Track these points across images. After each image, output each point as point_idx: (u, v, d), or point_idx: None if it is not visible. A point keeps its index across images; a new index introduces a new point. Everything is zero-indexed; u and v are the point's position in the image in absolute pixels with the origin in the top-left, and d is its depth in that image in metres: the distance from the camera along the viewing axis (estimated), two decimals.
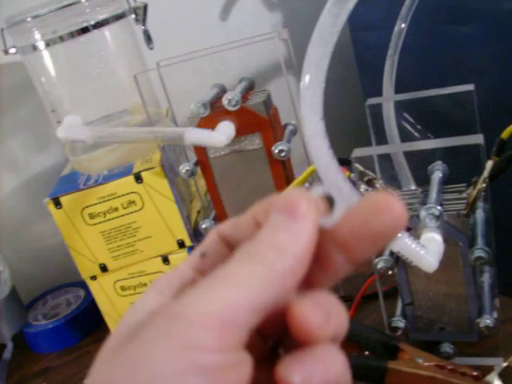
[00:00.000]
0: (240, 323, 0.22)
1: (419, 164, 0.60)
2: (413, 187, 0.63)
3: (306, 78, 0.44)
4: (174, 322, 0.22)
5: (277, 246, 0.23)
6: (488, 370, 0.54)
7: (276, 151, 0.63)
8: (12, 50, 0.71)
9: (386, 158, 0.63)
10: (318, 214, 0.25)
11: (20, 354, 0.82)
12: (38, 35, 0.68)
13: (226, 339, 0.22)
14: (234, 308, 0.22)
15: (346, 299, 0.70)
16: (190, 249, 0.74)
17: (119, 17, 0.70)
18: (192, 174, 0.67)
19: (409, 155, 0.63)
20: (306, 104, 0.45)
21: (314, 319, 0.23)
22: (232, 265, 0.23)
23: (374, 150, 0.62)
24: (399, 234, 0.43)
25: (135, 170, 0.70)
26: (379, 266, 0.54)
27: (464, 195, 0.55)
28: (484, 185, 0.51)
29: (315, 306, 0.24)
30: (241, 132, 0.64)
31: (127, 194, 0.70)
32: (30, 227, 0.95)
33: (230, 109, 0.62)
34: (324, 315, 0.24)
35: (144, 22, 0.71)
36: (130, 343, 0.22)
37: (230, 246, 0.27)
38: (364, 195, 0.25)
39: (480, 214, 0.55)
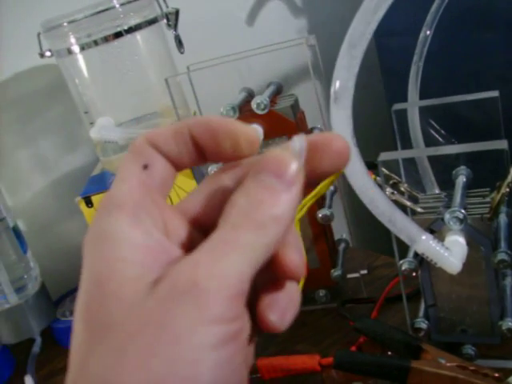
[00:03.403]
0: (246, 289, 0.24)
1: (443, 168, 0.61)
2: (437, 191, 0.64)
3: (337, 84, 0.46)
4: (197, 297, 0.22)
5: (275, 216, 0.24)
6: (510, 372, 0.55)
7: None
8: (48, 54, 0.73)
9: (410, 162, 0.64)
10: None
11: (48, 348, 0.83)
12: (73, 39, 0.70)
13: (239, 307, 0.23)
14: (244, 277, 0.23)
15: (370, 301, 0.71)
16: None
17: (151, 22, 0.72)
18: None
19: (433, 160, 0.64)
20: (335, 108, 0.46)
21: (297, 263, 0.26)
22: (233, 229, 0.24)
23: (400, 154, 0.63)
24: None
25: None
26: (403, 268, 0.54)
27: (487, 199, 0.56)
28: (508, 189, 0.52)
29: (297, 251, 0.26)
30: (268, 135, 0.65)
31: None
32: (59, 225, 0.97)
33: (259, 112, 0.64)
34: (301, 256, 0.26)
35: (176, 27, 0.73)
36: (156, 304, 0.23)
37: (167, 157, 0.27)
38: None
39: (503, 218, 0.56)
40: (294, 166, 0.25)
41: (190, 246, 0.27)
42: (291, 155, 0.25)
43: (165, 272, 0.23)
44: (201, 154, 0.28)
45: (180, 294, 0.22)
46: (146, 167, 0.27)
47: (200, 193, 0.29)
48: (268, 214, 0.24)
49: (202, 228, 0.28)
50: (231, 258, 0.23)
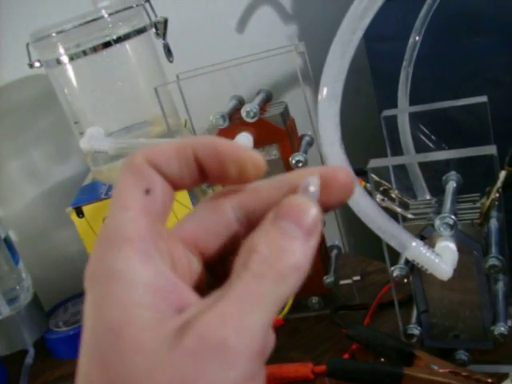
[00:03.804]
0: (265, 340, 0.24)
1: (434, 174, 0.61)
2: (427, 197, 0.64)
3: (324, 91, 0.46)
4: (226, 354, 0.22)
5: (295, 266, 0.23)
6: (503, 377, 0.55)
7: (293, 162, 0.64)
8: (37, 64, 0.73)
9: (401, 169, 0.64)
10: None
11: (41, 359, 0.83)
12: (62, 50, 0.70)
13: (262, 361, 0.23)
14: (267, 330, 0.23)
15: (363, 307, 0.71)
16: None
17: (140, 31, 0.72)
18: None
19: (423, 166, 0.64)
20: (323, 115, 0.46)
21: None
22: (257, 279, 0.23)
23: (390, 161, 0.63)
24: (414, 243, 0.44)
25: None
26: (395, 274, 0.55)
27: (478, 205, 0.56)
28: (497, 194, 0.52)
29: None
30: (259, 143, 0.65)
31: None
32: (51, 235, 0.97)
33: (249, 120, 0.63)
34: None
35: (164, 36, 0.73)
36: (183, 359, 0.22)
37: (167, 177, 0.26)
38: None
39: (494, 223, 0.56)
40: (314, 214, 0.24)
41: (193, 279, 0.26)
42: (311, 202, 0.25)
43: (188, 321, 0.22)
44: (202, 175, 0.27)
45: (209, 350, 0.22)
46: (148, 192, 0.25)
47: (200, 218, 0.28)
48: (289, 263, 0.23)
49: (202, 256, 0.27)
50: (257, 313, 0.22)
